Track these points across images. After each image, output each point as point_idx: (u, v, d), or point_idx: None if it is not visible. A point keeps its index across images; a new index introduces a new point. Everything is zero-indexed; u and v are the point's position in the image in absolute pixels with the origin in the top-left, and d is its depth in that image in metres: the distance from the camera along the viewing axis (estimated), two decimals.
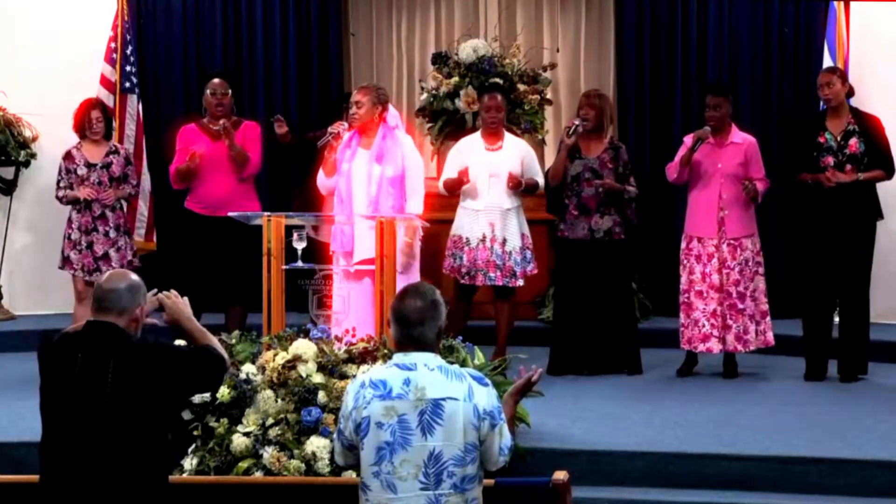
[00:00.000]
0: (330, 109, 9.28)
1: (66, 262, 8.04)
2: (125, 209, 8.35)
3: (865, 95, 8.47)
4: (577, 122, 7.57)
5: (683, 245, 7.63)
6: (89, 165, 8.01)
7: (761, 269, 7.56)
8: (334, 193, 7.00)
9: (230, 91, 8.10)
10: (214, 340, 4.25)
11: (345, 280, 6.69)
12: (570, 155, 7.58)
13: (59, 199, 8.09)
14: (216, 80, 8.13)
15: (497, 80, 9.12)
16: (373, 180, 6.79)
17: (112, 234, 8.02)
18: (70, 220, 8.05)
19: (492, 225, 7.62)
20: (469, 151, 7.74)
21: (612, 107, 7.90)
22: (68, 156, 8.07)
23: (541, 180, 7.76)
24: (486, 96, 7.91)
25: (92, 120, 8.04)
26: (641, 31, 9.47)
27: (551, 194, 7.73)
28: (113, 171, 8.04)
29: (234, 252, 7.76)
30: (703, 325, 7.51)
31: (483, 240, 7.62)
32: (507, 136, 7.88)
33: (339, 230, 6.84)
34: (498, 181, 7.62)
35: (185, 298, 4.28)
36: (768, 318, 7.57)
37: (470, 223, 7.65)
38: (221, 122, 7.90)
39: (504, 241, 7.62)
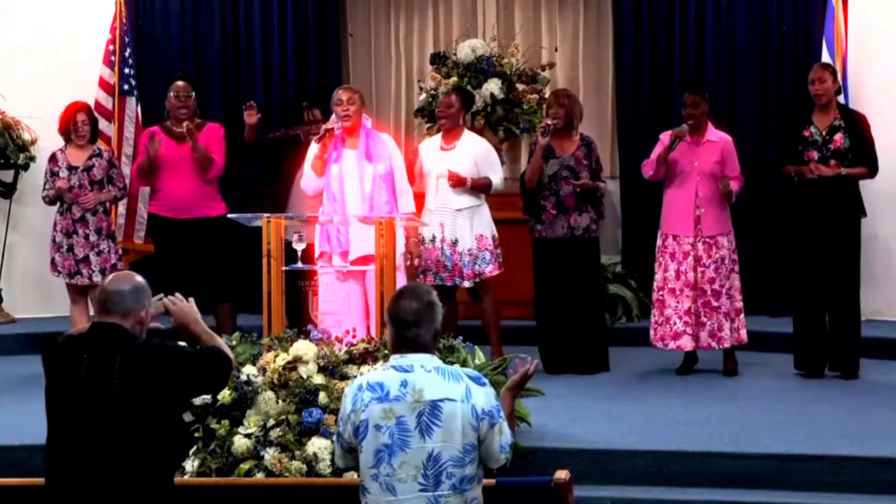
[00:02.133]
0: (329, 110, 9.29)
1: (52, 264, 8.06)
2: (109, 212, 8.34)
3: (864, 92, 8.49)
4: (549, 122, 7.58)
5: (659, 242, 7.66)
6: (71, 168, 8.01)
7: (736, 267, 7.58)
8: (322, 194, 7.01)
9: (193, 94, 8.12)
10: (221, 342, 4.26)
11: (342, 280, 6.69)
12: (543, 155, 7.58)
13: (43, 200, 8.11)
14: (179, 83, 8.15)
15: (496, 79, 9.13)
16: (366, 178, 6.86)
17: (92, 237, 8.00)
18: (55, 223, 8.06)
19: (442, 225, 7.57)
20: (426, 153, 7.73)
21: (581, 105, 7.92)
22: (52, 158, 8.10)
23: (496, 179, 7.66)
24: (444, 94, 7.99)
25: (77, 123, 8.04)
26: (639, 30, 9.47)
27: (528, 196, 7.72)
28: (94, 175, 8.03)
29: (205, 253, 7.80)
30: (675, 323, 7.52)
31: (433, 240, 7.59)
32: (466, 134, 7.80)
33: (335, 230, 6.85)
34: (446, 181, 7.60)
35: (191, 300, 4.28)
36: (742, 316, 7.58)
37: (422, 221, 7.63)
38: (185, 124, 7.92)
39: (455, 242, 7.57)
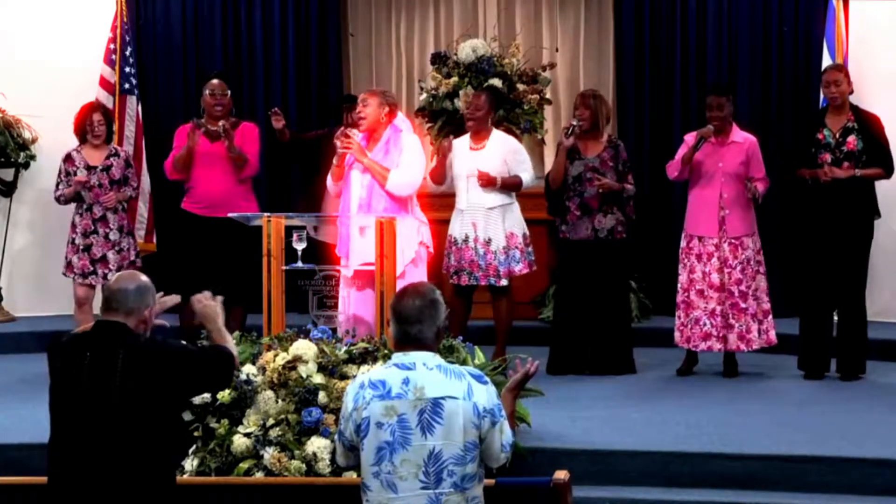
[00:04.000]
0: (329, 110, 9.28)
1: (68, 266, 8.03)
2: (127, 210, 8.33)
3: (865, 93, 8.47)
4: (574, 124, 7.58)
5: (684, 244, 7.63)
6: (89, 168, 8.00)
7: (762, 268, 7.56)
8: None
9: (229, 92, 8.10)
10: (229, 341, 4.32)
11: (344, 285, 6.65)
12: (569, 156, 7.58)
13: (58, 200, 8.07)
14: (215, 81, 8.12)
15: (496, 79, 9.12)
16: (365, 184, 6.68)
17: (113, 236, 8.00)
18: (73, 224, 8.03)
19: (474, 225, 7.59)
20: (455, 153, 7.73)
21: (608, 106, 7.90)
22: (68, 158, 8.06)
23: (526, 177, 7.70)
24: (473, 94, 7.96)
25: (94, 123, 8.02)
26: (640, 30, 9.47)
27: (552, 197, 7.72)
28: (113, 174, 8.03)
29: (232, 253, 7.75)
30: (704, 324, 7.50)
31: (466, 240, 7.61)
32: (494, 134, 7.81)
33: (343, 234, 6.74)
34: (476, 180, 7.59)
35: (219, 298, 4.41)
36: (770, 317, 7.56)
37: (457, 223, 7.64)
38: (221, 123, 7.90)
39: (488, 241, 7.58)
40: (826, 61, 8.50)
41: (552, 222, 8.03)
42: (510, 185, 7.66)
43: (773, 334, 7.56)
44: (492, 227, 7.60)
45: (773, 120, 9.14)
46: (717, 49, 9.33)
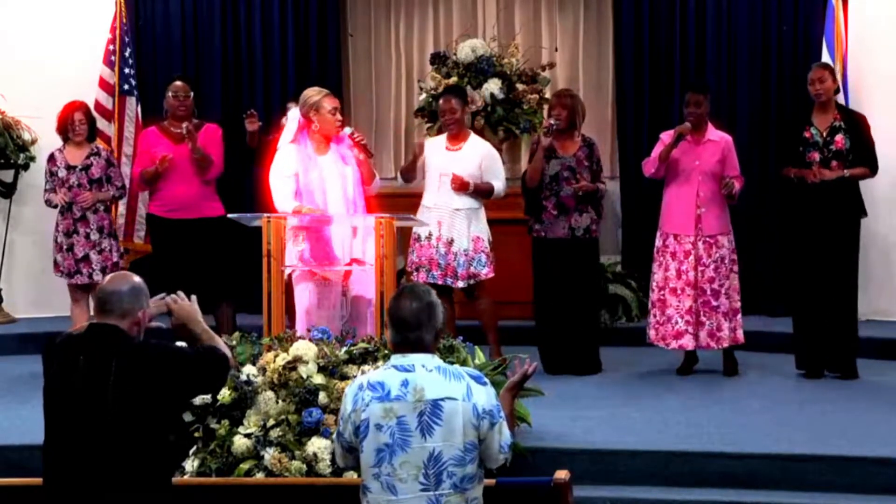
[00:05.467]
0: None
1: (55, 265, 8.10)
2: (110, 211, 8.34)
3: (864, 92, 8.48)
4: (552, 123, 7.59)
5: (659, 242, 7.65)
6: (69, 167, 8.03)
7: (736, 267, 7.58)
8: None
9: (192, 94, 8.11)
10: (220, 341, 4.25)
11: (298, 280, 6.54)
12: (545, 155, 7.59)
13: (46, 202, 8.14)
14: (178, 83, 8.15)
15: (496, 79, 9.12)
16: (348, 181, 6.62)
17: (93, 236, 8.01)
18: (56, 224, 8.09)
19: (439, 224, 7.55)
20: (431, 151, 7.71)
21: (584, 104, 7.92)
22: (51, 158, 8.13)
23: (498, 185, 7.66)
24: (441, 100, 7.87)
25: (75, 122, 8.06)
26: (640, 30, 9.47)
27: (529, 196, 7.71)
28: (92, 174, 8.05)
29: (206, 252, 7.81)
30: (677, 322, 7.51)
31: (429, 237, 7.58)
32: (472, 138, 7.80)
33: (321, 234, 6.49)
34: (449, 181, 7.58)
35: (194, 298, 4.24)
36: (739, 316, 7.58)
37: (422, 220, 7.59)
38: (185, 124, 7.92)
39: (451, 242, 7.55)
40: (825, 60, 8.49)
41: None
42: (482, 191, 7.61)
43: (740, 333, 7.58)
44: (456, 228, 7.55)
45: (773, 119, 9.13)
46: (717, 49, 9.33)
